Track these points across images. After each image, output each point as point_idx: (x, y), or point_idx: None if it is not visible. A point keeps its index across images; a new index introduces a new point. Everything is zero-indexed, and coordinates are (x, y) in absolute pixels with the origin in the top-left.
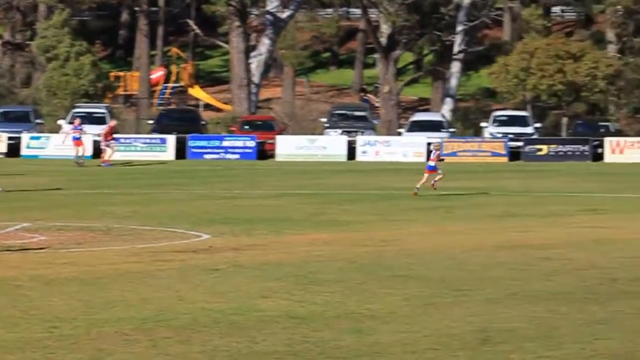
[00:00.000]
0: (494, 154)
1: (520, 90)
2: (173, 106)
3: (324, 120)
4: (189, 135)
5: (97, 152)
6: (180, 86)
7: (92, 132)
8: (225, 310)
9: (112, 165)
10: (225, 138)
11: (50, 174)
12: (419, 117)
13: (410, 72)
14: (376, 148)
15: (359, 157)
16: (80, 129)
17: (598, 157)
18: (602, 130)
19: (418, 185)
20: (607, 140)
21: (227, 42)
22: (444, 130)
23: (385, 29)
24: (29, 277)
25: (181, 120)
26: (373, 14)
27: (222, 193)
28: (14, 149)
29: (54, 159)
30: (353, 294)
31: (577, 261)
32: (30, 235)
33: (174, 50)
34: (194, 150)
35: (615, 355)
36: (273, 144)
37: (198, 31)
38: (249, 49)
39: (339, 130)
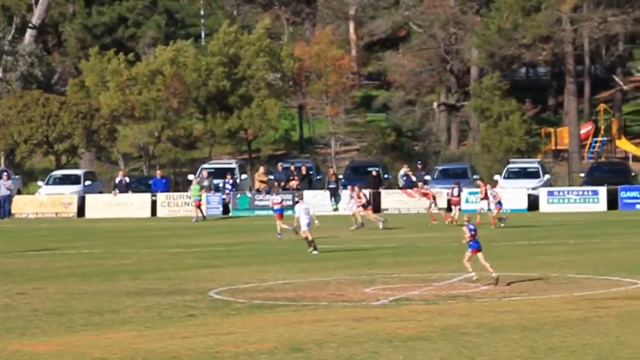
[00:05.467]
0: None
1: None
2: (603, 159)
3: None
4: (620, 186)
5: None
6: (608, 139)
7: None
8: None
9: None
10: None
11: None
12: None
13: None
14: None
15: None
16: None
17: None
18: None
19: None
20: None
21: None
22: None
23: None
24: (474, 325)
25: (612, 172)
26: None
27: None
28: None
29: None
30: None
31: None
32: (474, 285)
33: (601, 105)
34: (626, 201)
35: None
36: None
37: (624, 87)
38: None
39: None
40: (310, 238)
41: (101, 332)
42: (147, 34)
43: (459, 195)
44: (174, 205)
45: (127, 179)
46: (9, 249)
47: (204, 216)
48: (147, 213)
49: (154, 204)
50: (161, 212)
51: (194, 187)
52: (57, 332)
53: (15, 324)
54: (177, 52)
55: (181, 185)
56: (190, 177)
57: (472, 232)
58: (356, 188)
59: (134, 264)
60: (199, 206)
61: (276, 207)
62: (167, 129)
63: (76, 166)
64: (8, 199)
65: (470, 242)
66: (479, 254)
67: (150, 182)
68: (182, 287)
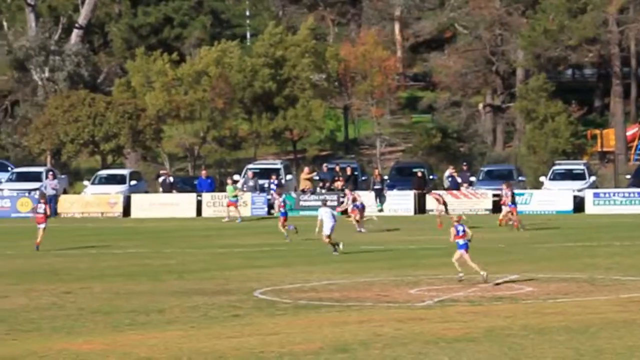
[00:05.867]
0: None
1: None
2: None
3: None
4: None
5: None
6: None
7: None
8: None
9: None
10: None
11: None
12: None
13: None
14: None
15: None
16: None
17: None
18: None
19: None
20: None
21: None
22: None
23: None
24: (520, 326)
25: None
26: None
27: None
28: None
29: (536, 214)
30: None
31: None
32: (518, 286)
33: None
34: None
35: None
36: None
37: None
38: None
39: None
40: (331, 242)
41: (147, 332)
42: (193, 35)
43: (507, 197)
44: (219, 206)
45: (171, 179)
46: (56, 248)
47: (228, 217)
48: (192, 213)
49: (199, 204)
50: (206, 212)
51: (229, 187)
52: (103, 332)
53: (61, 323)
54: (223, 53)
55: (226, 185)
56: (236, 177)
57: (462, 233)
58: (347, 191)
59: (180, 263)
60: (235, 206)
61: (282, 210)
62: (213, 130)
63: (122, 166)
64: (54, 198)
65: (460, 243)
66: (465, 255)
67: (196, 182)
68: (228, 287)
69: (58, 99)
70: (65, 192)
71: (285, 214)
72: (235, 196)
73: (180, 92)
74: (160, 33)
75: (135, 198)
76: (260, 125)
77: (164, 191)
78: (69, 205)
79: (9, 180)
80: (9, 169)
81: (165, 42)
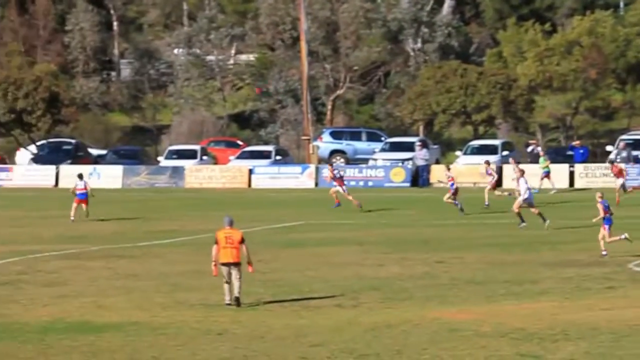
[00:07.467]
0: None
1: None
2: None
3: None
4: None
5: None
6: None
7: None
8: None
9: None
10: None
11: None
12: None
13: None
14: None
15: None
16: None
17: None
18: None
19: None
20: None
21: None
22: None
23: None
24: None
25: None
26: None
27: None
28: None
29: None
30: None
31: None
32: None
33: None
34: None
35: None
36: None
37: None
38: None
39: None
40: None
41: (520, 302)
42: (565, 5)
43: None
44: (592, 177)
45: (539, 149)
46: (427, 218)
47: (542, 188)
48: (565, 184)
49: (571, 174)
50: (579, 182)
51: (541, 158)
52: (476, 301)
53: (434, 292)
54: (595, 23)
55: (598, 156)
56: (609, 148)
57: (606, 209)
58: (329, 167)
59: (553, 234)
60: (547, 178)
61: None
62: (585, 100)
63: (493, 136)
64: (425, 168)
65: (605, 218)
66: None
67: (570, 152)
68: (601, 259)
69: (430, 69)
70: (437, 162)
71: (455, 188)
72: (547, 167)
73: (553, 62)
74: (532, 3)
75: (507, 168)
76: (634, 95)
77: (531, 161)
78: (440, 175)
79: (383, 150)
80: (382, 139)
81: (537, 12)
